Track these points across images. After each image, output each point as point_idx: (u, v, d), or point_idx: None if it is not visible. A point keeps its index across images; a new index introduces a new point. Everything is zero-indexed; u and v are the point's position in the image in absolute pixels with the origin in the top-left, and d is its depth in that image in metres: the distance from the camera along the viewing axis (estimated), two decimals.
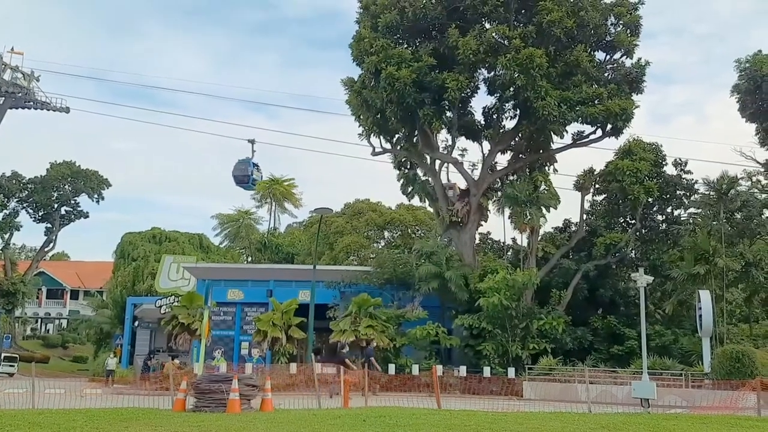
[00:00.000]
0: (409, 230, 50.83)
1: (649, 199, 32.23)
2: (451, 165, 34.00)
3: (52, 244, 62.77)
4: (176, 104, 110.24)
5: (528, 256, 32.61)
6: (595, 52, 31.88)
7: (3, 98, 53.02)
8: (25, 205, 59.63)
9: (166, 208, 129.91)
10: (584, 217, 34.18)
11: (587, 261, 32.53)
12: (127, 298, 42.75)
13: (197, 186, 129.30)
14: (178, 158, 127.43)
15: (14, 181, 58.98)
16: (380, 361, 28.40)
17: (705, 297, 25.48)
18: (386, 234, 52.34)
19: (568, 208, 35.40)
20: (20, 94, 53.45)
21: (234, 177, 36.99)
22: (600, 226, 34.60)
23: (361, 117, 33.31)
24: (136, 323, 40.43)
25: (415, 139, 33.78)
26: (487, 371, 26.20)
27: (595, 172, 33.50)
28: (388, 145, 34.68)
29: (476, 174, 33.70)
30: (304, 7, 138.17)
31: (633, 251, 34.15)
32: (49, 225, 60.78)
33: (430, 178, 34.86)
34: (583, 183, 33.51)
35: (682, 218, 34.07)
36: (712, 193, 30.98)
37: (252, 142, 37.09)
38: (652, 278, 23.35)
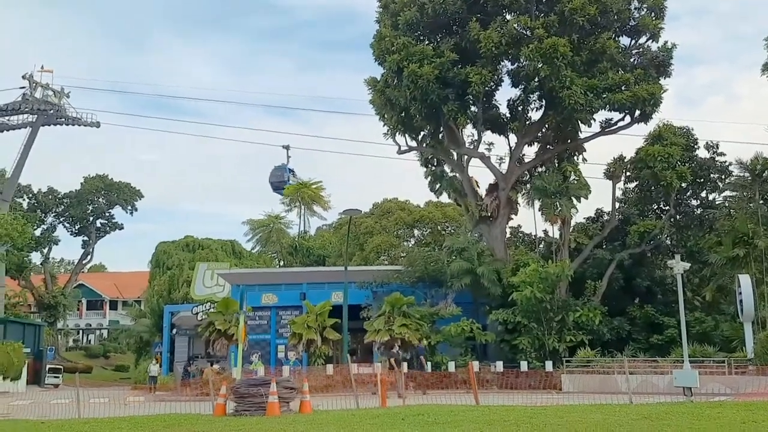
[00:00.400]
0: (438, 227, 50.62)
1: (683, 184, 31.71)
2: (478, 160, 33.80)
3: (89, 257, 64.24)
4: (197, 113, 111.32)
5: (560, 247, 32.29)
6: (620, 38, 31.46)
7: (36, 116, 54.28)
8: (61, 219, 61.04)
9: (197, 217, 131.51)
10: (616, 205, 33.84)
11: (621, 250, 32.11)
12: (164, 307, 43.33)
13: (226, 192, 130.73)
14: (204, 166, 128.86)
15: (50, 197, 60.45)
16: (415, 359, 28.45)
17: (745, 281, 24.97)
18: (416, 232, 52.23)
19: (600, 198, 35.15)
20: (52, 111, 54.71)
21: (271, 184, 37.50)
22: (633, 214, 34.15)
23: (386, 116, 33.33)
24: (174, 331, 40.97)
25: (440, 136, 33.71)
26: (524, 365, 25.98)
27: (626, 160, 33.06)
28: (413, 143, 34.68)
29: (504, 168, 33.56)
30: (316, 10, 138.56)
31: (668, 238, 33.64)
32: (85, 238, 62.11)
33: (457, 174, 34.78)
34: (613, 171, 33.11)
35: (717, 202, 33.37)
36: (746, 174, 30.27)
37: (287, 148, 37.50)
38: (689, 264, 22.92)
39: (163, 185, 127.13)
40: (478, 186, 34.17)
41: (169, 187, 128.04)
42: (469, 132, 33.67)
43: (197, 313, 35.49)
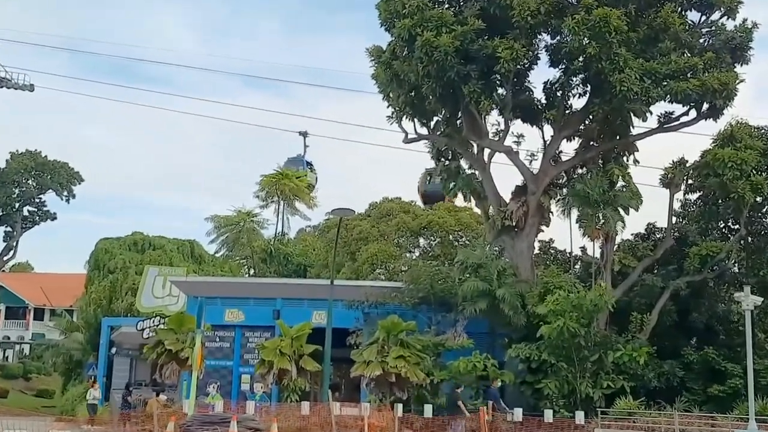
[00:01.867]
0: (450, 237, 50.50)
1: (758, 198, 31.36)
2: (503, 155, 33.79)
3: (12, 252, 64.23)
4: (163, 81, 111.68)
5: (601, 269, 32.28)
6: (688, 12, 31.39)
7: None
8: None
9: (150, 209, 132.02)
10: (673, 221, 33.71)
11: (677, 277, 32.02)
12: (103, 319, 43.25)
13: (189, 181, 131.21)
14: (165, 147, 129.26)
15: None
16: (413, 400, 28.58)
17: None
18: (422, 241, 52.20)
19: (653, 210, 34.94)
20: None
21: None
22: (693, 232, 34.05)
23: (391, 95, 33.31)
24: (113, 350, 40.93)
25: (458, 123, 33.71)
26: (548, 415, 25.81)
27: (688, 165, 32.98)
28: (424, 131, 34.69)
29: (535, 166, 33.57)
30: None
31: (736, 264, 33.61)
32: (8, 229, 62.06)
33: (477, 172, 34.78)
34: (671, 178, 33.01)
35: None
36: None
37: (304, 135, 37.59)
38: (761, 299, 22.88)
39: (111, 168, 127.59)
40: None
41: (119, 171, 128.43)
42: (494, 120, 33.64)
43: (143, 330, 35.65)
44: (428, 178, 36.11)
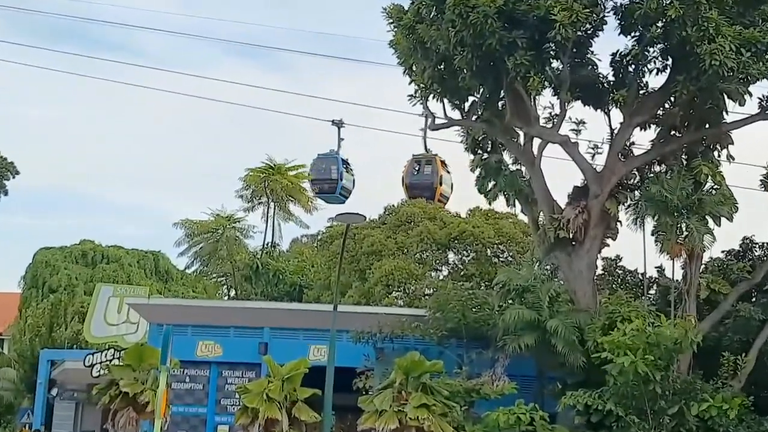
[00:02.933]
0: (488, 251, 50.58)
1: None
2: (557, 146, 33.77)
3: None
4: (128, 50, 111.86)
5: (683, 296, 32.17)
6: None
7: None
8: None
9: (103, 211, 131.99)
10: None
11: None
12: (41, 352, 43.33)
13: (155, 176, 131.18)
14: (126, 131, 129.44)
15: None
16: None
17: None
18: (451, 257, 52.24)
19: (751, 220, 34.61)
20: None
21: (312, 184, 37.82)
22: None
23: (415, 68, 33.43)
24: (54, 391, 40.92)
25: (500, 105, 33.69)
26: None
27: None
28: (456, 114, 34.74)
29: (600, 162, 33.59)
30: None
31: None
32: None
33: (523, 168, 34.85)
34: None
35: None
36: None
37: (339, 125, 37.58)
38: None
39: (55, 157, 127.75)
40: (440, 166, 34.01)
41: (66, 161, 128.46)
42: (546, 102, 33.69)
43: (92, 366, 35.66)
44: (416, 168, 36.25)
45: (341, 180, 39.06)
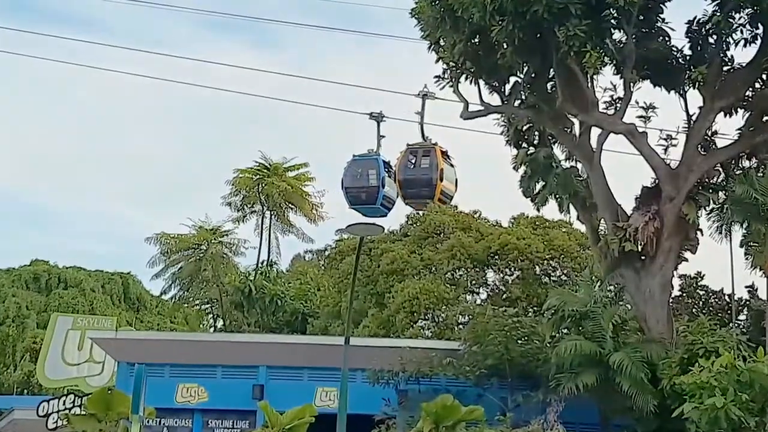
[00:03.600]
0: (536, 268, 50.43)
1: None
2: (621, 137, 33.57)
3: None
4: (75, 22, 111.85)
5: None
6: None
7: None
8: None
9: (58, 224, 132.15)
10: None
11: None
12: None
13: (119, 181, 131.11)
14: (84, 123, 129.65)
15: None
16: None
17: None
18: (491, 276, 52.11)
19: None
20: None
21: (346, 192, 37.87)
22: None
23: (443, 42, 33.43)
24: None
25: (549, 87, 33.73)
26: None
27: None
28: (495, 99, 34.72)
29: (675, 156, 33.53)
30: None
31: None
32: None
33: (579, 164, 34.97)
34: None
35: None
36: None
37: (378, 118, 37.41)
38: None
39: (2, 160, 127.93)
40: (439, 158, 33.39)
41: (7, 160, 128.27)
42: (606, 82, 33.59)
43: (48, 415, 35.34)
44: (411, 160, 35.91)
45: (383, 187, 38.71)
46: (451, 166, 36.44)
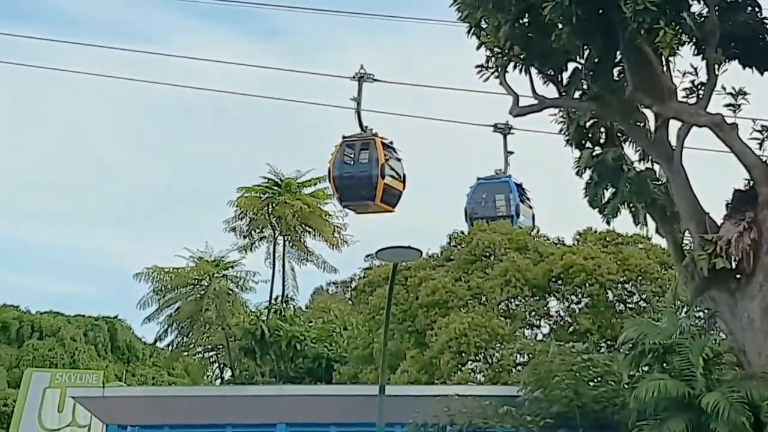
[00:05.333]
0: (609, 294, 50.71)
1: None
2: (706, 130, 33.49)
3: None
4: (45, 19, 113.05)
5: None
6: None
7: None
8: None
9: (31, 261, 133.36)
10: None
11: None
12: None
13: (101, 207, 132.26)
14: (53, 140, 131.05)
15: None
16: None
17: None
18: (554, 305, 52.58)
19: None
20: None
21: (471, 224, 37.76)
22: None
23: (485, 24, 33.54)
24: None
25: (616, 74, 33.96)
26: None
27: None
28: (550, 90, 34.86)
29: None
30: None
31: None
32: None
33: (657, 166, 35.08)
34: None
35: None
36: None
37: (505, 131, 37.39)
38: None
39: None
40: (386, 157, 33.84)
41: None
42: (686, 66, 33.42)
43: None
44: (348, 154, 35.98)
45: (517, 216, 38.91)
46: (398, 160, 36.09)
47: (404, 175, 35.62)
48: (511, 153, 37.36)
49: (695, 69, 33.24)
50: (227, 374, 56.00)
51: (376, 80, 33.03)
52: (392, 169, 34.01)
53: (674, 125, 34.04)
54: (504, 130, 37.26)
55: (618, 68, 33.74)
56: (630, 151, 35.67)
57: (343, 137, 36.03)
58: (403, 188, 36.82)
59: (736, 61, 33.58)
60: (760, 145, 33.52)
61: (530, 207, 38.91)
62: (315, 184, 58.53)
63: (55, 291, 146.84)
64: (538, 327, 52.23)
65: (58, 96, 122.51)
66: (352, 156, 35.20)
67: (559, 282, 51.49)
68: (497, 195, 37.92)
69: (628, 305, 50.00)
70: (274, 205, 57.37)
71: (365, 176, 34.73)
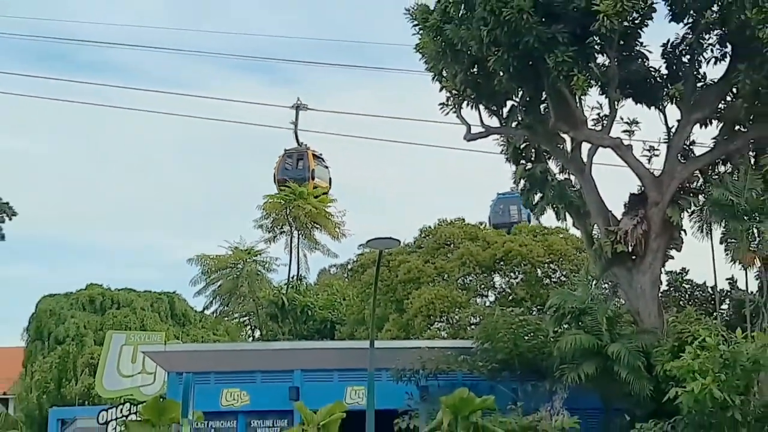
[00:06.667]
0: (538, 271, 50.70)
1: None
2: (609, 150, 33.70)
3: None
4: (116, 70, 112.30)
5: (761, 310, 32.04)
6: None
7: None
8: None
9: (109, 253, 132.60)
10: None
11: None
12: (50, 411, 43.62)
13: (161, 213, 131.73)
14: (121, 165, 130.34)
15: None
16: None
17: None
18: (497, 280, 52.40)
19: None
20: None
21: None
22: None
23: (445, 73, 33.57)
24: None
25: (542, 109, 33.93)
26: None
27: None
28: (494, 121, 34.95)
29: (657, 166, 33.64)
30: None
31: None
32: None
33: (572, 177, 35.02)
34: None
35: None
36: None
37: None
38: None
39: (53, 196, 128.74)
40: (309, 160, 33.83)
41: (65, 200, 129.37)
42: (593, 102, 33.80)
43: (107, 423, 35.90)
44: (288, 162, 35.99)
45: (529, 222, 38.72)
46: (325, 167, 35.94)
47: (330, 178, 35.43)
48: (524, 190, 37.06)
49: (600, 105, 33.68)
50: (257, 334, 55.67)
51: (309, 109, 33.00)
52: (321, 172, 33.78)
53: (585, 146, 34.21)
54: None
55: (543, 104, 33.78)
56: (553, 166, 35.72)
57: (285, 150, 35.81)
58: (329, 187, 36.61)
59: (631, 98, 33.88)
60: (649, 160, 33.78)
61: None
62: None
63: (129, 276, 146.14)
64: (486, 296, 52.13)
65: (129, 131, 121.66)
66: (291, 164, 34.85)
67: (501, 263, 51.27)
68: (511, 206, 37.67)
69: (552, 279, 49.98)
70: (291, 208, 56.80)
71: (300, 179, 34.44)
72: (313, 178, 33.01)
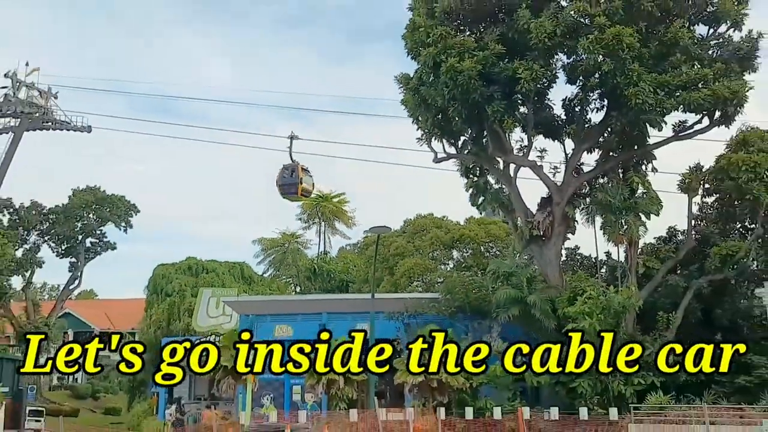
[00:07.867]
0: (482, 248, 50.29)
1: None
2: (528, 169, 33.62)
3: (77, 282, 64.36)
4: (204, 117, 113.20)
5: (627, 273, 31.95)
6: (696, 27, 31.03)
7: (19, 119, 55.03)
8: (46, 238, 60.57)
9: (201, 236, 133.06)
10: (693, 223, 33.22)
11: (699, 276, 31.56)
12: (163, 340, 43.84)
13: (235, 209, 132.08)
14: (212, 179, 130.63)
15: (34, 212, 59.73)
16: (454, 403, 28.64)
17: None
18: (455, 254, 51.94)
19: (673, 214, 34.65)
20: (37, 114, 55.49)
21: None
22: (713, 233, 33.55)
23: (420, 118, 33.46)
24: None
25: (484, 141, 33.78)
26: (583, 413, 25.76)
27: (704, 170, 32.50)
28: (452, 150, 34.77)
29: (559, 179, 33.42)
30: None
31: (755, 262, 32.87)
32: (73, 259, 61.97)
33: (504, 186, 34.79)
34: (689, 183, 32.50)
35: None
36: None
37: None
38: None
39: (163, 200, 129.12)
40: (301, 170, 33.78)
41: (170, 202, 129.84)
42: (517, 137, 33.67)
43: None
44: (286, 173, 35.74)
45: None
46: (310, 176, 35.65)
47: (313, 183, 35.20)
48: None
49: (522, 139, 33.38)
50: (297, 289, 55.83)
51: (300, 139, 33.03)
52: (307, 179, 33.44)
53: (512, 166, 33.84)
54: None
55: (485, 138, 33.54)
56: (491, 179, 35.26)
57: (283, 165, 35.69)
58: (312, 190, 36.40)
59: (541, 135, 33.66)
60: (553, 174, 33.38)
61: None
62: (339, 197, 58.26)
63: (216, 250, 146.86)
64: (447, 265, 51.34)
65: (211, 158, 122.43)
66: (287, 174, 34.53)
67: (458, 243, 50.91)
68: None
69: (490, 253, 49.54)
70: (320, 207, 57.16)
71: (293, 184, 34.18)
72: (301, 183, 32.66)
